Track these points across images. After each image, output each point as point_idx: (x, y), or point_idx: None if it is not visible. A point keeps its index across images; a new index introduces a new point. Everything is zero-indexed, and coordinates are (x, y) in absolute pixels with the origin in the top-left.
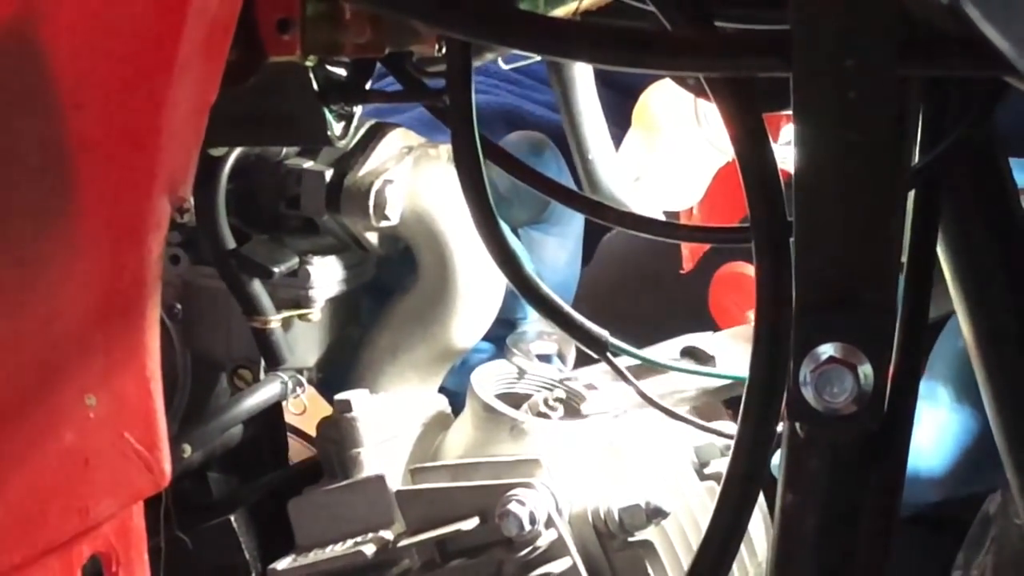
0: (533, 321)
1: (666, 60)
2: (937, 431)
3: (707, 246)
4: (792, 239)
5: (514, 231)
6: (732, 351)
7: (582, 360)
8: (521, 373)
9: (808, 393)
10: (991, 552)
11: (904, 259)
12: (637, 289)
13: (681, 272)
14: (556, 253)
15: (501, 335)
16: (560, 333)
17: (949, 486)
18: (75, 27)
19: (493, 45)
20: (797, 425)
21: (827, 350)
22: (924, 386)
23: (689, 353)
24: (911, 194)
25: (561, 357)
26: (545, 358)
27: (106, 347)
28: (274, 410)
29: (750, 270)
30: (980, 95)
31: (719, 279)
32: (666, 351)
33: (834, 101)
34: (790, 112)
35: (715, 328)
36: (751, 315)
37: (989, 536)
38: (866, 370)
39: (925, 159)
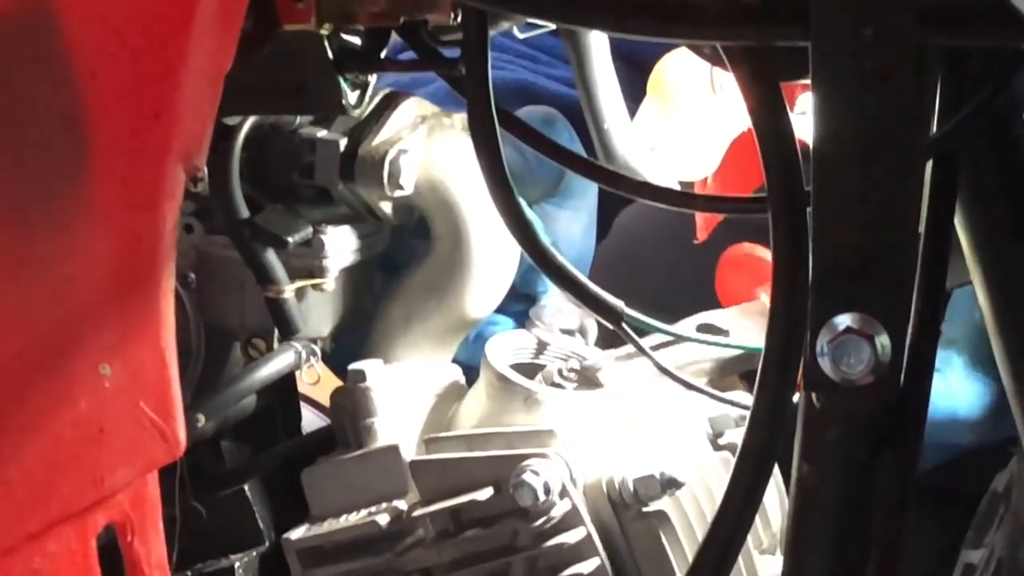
0: (555, 295)
1: (685, 29)
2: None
3: (720, 217)
4: (809, 209)
5: (528, 206)
6: (745, 326)
7: (606, 340)
8: (539, 345)
9: (825, 364)
10: (1001, 528)
11: (921, 229)
12: (651, 266)
13: (695, 242)
14: (570, 227)
15: (520, 309)
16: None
17: (985, 429)
18: None
19: (509, 13)
20: (814, 396)
21: (844, 320)
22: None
23: (705, 329)
24: (929, 164)
25: (582, 332)
26: (568, 332)
27: (121, 316)
28: (288, 380)
29: (758, 251)
30: (999, 64)
31: (726, 260)
32: (682, 328)
33: (853, 71)
34: (807, 81)
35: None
36: (760, 292)
37: (998, 513)
38: (883, 341)
39: (943, 129)
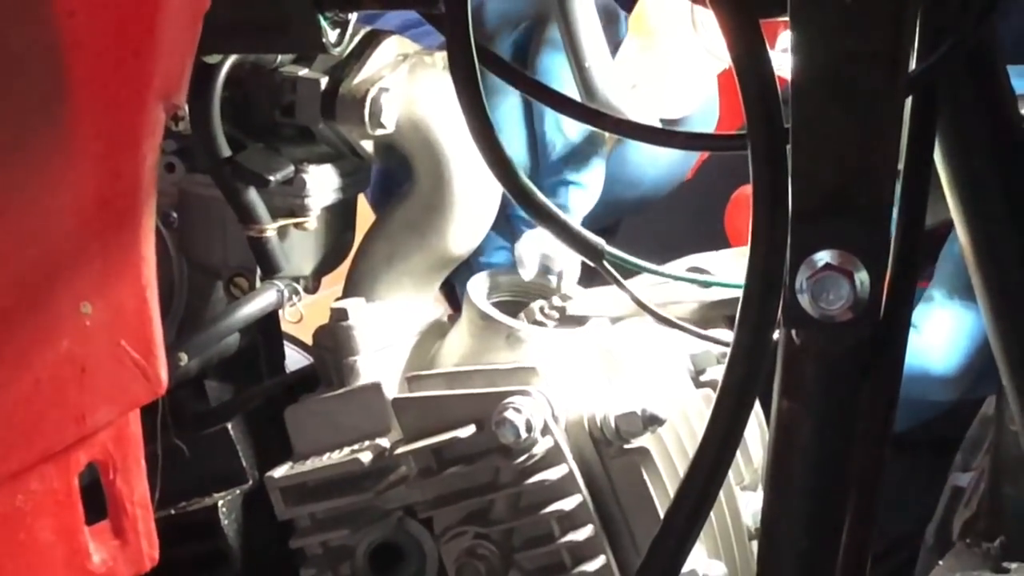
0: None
1: None
2: (946, 330)
3: (706, 155)
4: (789, 147)
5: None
6: (736, 268)
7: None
8: (521, 283)
9: (804, 300)
10: (989, 453)
11: (900, 167)
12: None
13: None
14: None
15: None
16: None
17: (962, 384)
18: None
19: None
20: (793, 332)
21: (823, 257)
22: (933, 288)
23: (694, 271)
24: (908, 100)
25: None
26: (548, 270)
27: (102, 254)
28: (271, 318)
29: None
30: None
31: (735, 202)
32: (671, 270)
33: (831, 7)
34: (787, 19)
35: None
36: None
37: (987, 438)
38: (862, 277)
39: (922, 65)
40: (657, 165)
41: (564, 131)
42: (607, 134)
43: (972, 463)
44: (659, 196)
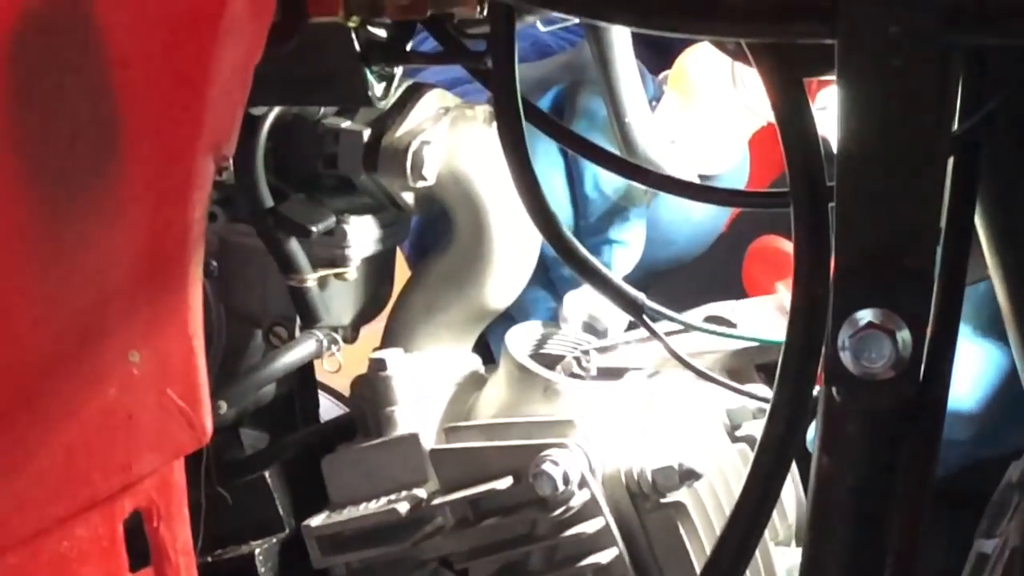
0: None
1: (709, 25)
2: (971, 366)
3: (739, 210)
4: (831, 205)
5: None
6: (753, 318)
7: None
8: (559, 336)
9: (846, 358)
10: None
11: (942, 225)
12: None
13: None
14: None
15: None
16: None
17: (985, 422)
18: None
19: (536, 8)
20: (834, 389)
21: (866, 315)
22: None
23: (712, 320)
24: (950, 160)
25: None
26: (591, 327)
27: (150, 304)
28: (306, 368)
29: (783, 244)
30: (1020, 60)
31: (753, 252)
32: (689, 319)
33: (878, 68)
34: (828, 77)
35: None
36: (779, 285)
37: (1012, 504)
38: (904, 336)
39: (965, 125)
40: (691, 222)
41: (604, 190)
42: (645, 191)
43: (996, 530)
44: (693, 254)
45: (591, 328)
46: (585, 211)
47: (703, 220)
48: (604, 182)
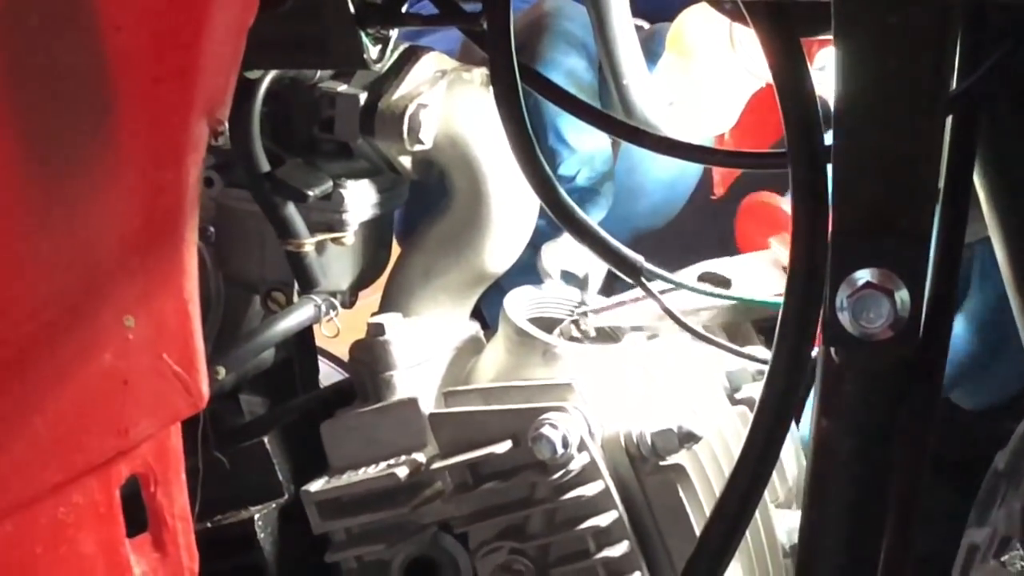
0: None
1: None
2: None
3: (738, 172)
4: (829, 165)
5: None
6: (747, 274)
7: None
8: (557, 298)
9: (844, 318)
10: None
11: (940, 185)
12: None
13: (712, 198)
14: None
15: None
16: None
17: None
18: None
19: None
20: (832, 350)
21: (864, 275)
22: None
23: (707, 277)
24: (948, 119)
25: (585, 280)
26: (570, 276)
27: (145, 269)
28: (306, 333)
29: (775, 199)
30: (1018, 19)
31: (745, 208)
32: (684, 276)
33: (874, 26)
34: (826, 37)
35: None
36: (772, 240)
37: (1000, 492)
38: (903, 296)
39: (963, 84)
40: (667, 170)
41: (570, 143)
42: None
43: (986, 519)
44: (673, 204)
45: (571, 277)
46: (551, 163)
47: (670, 166)
48: (569, 134)
